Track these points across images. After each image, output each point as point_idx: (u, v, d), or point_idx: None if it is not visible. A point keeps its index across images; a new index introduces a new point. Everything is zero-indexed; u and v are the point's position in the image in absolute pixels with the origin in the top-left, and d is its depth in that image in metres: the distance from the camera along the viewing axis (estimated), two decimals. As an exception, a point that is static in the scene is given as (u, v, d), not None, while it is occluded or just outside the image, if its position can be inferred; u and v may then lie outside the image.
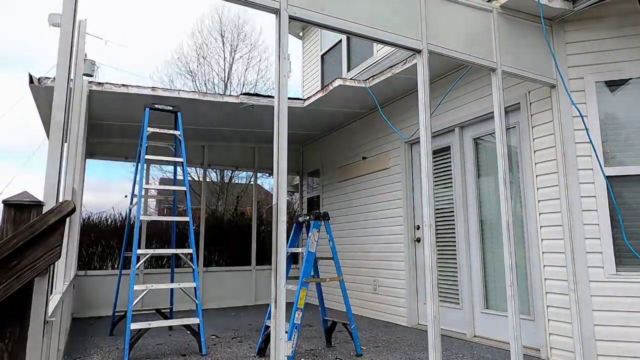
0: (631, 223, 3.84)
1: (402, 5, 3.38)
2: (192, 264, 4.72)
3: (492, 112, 3.80)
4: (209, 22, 23.64)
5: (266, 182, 18.07)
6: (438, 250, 5.45)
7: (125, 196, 10.37)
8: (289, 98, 5.81)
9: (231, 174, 17.87)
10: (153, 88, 5.63)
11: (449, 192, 5.46)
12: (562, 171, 4.04)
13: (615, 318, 3.72)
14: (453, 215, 5.37)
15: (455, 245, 5.32)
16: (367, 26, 3.15)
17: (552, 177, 4.16)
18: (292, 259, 4.76)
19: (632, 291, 3.70)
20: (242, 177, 18.30)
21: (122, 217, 8.95)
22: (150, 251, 5.12)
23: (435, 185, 5.44)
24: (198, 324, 4.47)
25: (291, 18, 2.82)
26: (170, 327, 5.65)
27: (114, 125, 6.76)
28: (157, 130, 5.07)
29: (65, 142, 2.42)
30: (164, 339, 5.15)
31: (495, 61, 3.76)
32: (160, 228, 8.89)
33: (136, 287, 4.35)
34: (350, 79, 6.17)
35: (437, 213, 5.47)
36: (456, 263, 5.28)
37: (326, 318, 4.80)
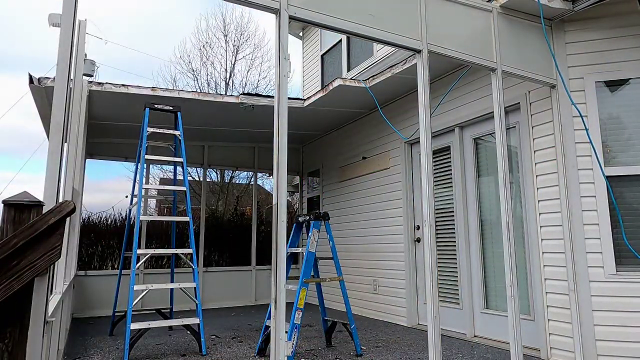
0: (631, 223, 3.84)
1: (402, 5, 3.38)
2: (192, 264, 4.72)
3: (492, 112, 3.81)
4: (212, 22, 23.68)
5: (266, 182, 18.08)
6: (438, 250, 5.45)
7: (126, 196, 10.37)
8: (289, 98, 5.82)
9: (231, 174, 17.88)
10: (153, 88, 5.62)
11: (449, 192, 5.46)
12: (562, 171, 4.04)
13: (615, 318, 3.72)
14: (453, 215, 5.37)
15: (455, 245, 5.32)
16: (367, 26, 3.15)
17: (552, 177, 4.16)
18: (292, 259, 4.76)
19: (632, 291, 3.70)
20: (242, 177, 18.31)
21: (122, 217, 8.95)
22: (150, 251, 5.12)
23: (435, 185, 5.45)
24: (198, 324, 4.47)
25: (291, 18, 2.82)
26: (170, 327, 5.65)
27: (113, 125, 6.76)
28: (157, 130, 5.07)
29: (65, 142, 2.42)
30: (164, 339, 5.15)
31: (495, 61, 3.76)
32: (160, 228, 8.90)
33: (136, 287, 4.35)
34: (350, 79, 6.17)
35: (437, 213, 5.47)
36: (456, 263, 5.28)
37: (326, 318, 4.80)
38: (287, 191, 3.15)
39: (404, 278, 5.94)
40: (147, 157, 4.96)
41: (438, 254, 5.45)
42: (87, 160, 6.86)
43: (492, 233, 4.95)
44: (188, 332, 4.75)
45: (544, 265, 4.20)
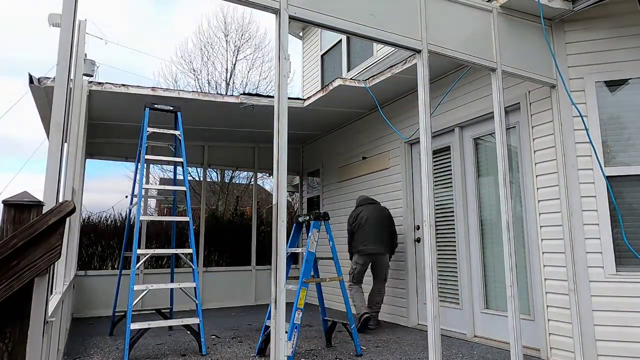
0: (631, 223, 3.83)
1: (402, 5, 3.38)
2: (192, 264, 4.72)
3: (492, 112, 3.80)
4: (214, 22, 23.69)
5: (266, 182, 18.09)
6: (438, 250, 5.45)
7: (126, 196, 10.36)
8: (289, 98, 5.81)
9: (231, 174, 17.88)
10: (153, 88, 5.62)
11: (449, 192, 5.46)
12: (562, 171, 4.04)
13: (615, 318, 3.72)
14: (453, 215, 5.37)
15: (455, 245, 5.31)
16: (367, 26, 3.15)
17: (552, 177, 4.16)
18: (292, 259, 4.76)
19: (632, 291, 3.70)
20: (242, 177, 18.32)
21: (122, 217, 8.96)
22: (150, 251, 5.12)
23: (435, 185, 5.44)
24: (198, 324, 4.47)
25: (291, 18, 2.82)
26: (170, 327, 5.64)
27: (113, 125, 6.76)
28: (157, 130, 5.07)
29: (65, 142, 2.42)
30: (164, 339, 5.16)
31: (495, 61, 3.76)
32: (160, 228, 8.90)
33: (136, 287, 4.34)
34: (350, 79, 6.17)
35: (437, 213, 5.47)
36: (456, 263, 5.28)
37: (326, 318, 4.80)
38: (287, 191, 3.15)
39: (404, 278, 5.94)
40: (147, 157, 4.96)
41: (438, 254, 5.45)
42: (87, 160, 6.86)
43: (492, 233, 4.95)
44: (188, 332, 4.75)
45: (544, 265, 4.20)
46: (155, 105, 5.20)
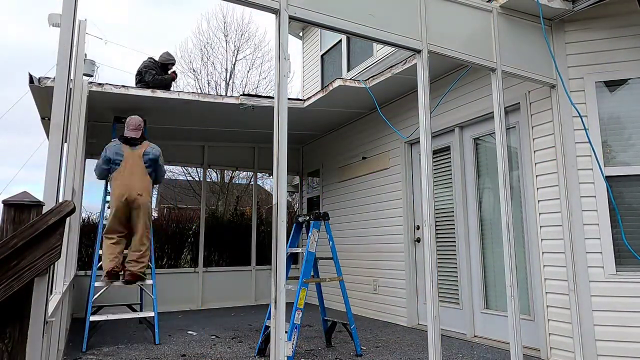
0: (631, 223, 3.84)
1: (402, 5, 3.38)
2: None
3: (492, 112, 3.80)
4: (213, 22, 23.67)
5: (266, 182, 18.08)
6: (438, 250, 5.45)
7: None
8: (289, 98, 5.81)
9: (231, 174, 17.88)
10: (153, 90, 5.62)
11: (449, 192, 5.46)
12: (562, 171, 4.04)
13: (615, 318, 3.72)
14: (453, 215, 5.37)
15: (455, 245, 5.31)
16: (367, 26, 3.15)
17: (552, 177, 4.16)
18: (292, 259, 4.76)
19: (632, 291, 3.70)
20: (242, 177, 18.32)
21: (122, 217, 8.92)
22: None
23: (435, 185, 5.44)
24: (153, 317, 5.00)
25: (291, 18, 2.82)
26: (140, 322, 5.68)
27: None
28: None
29: (65, 142, 2.42)
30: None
31: (495, 61, 3.76)
32: (160, 228, 8.87)
33: (97, 284, 4.94)
34: (350, 79, 6.17)
35: (437, 213, 5.47)
36: (456, 263, 5.28)
37: (326, 318, 4.80)
38: (287, 191, 3.15)
39: (404, 278, 5.94)
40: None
41: (438, 254, 5.45)
42: (87, 160, 6.86)
43: (492, 233, 4.95)
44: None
45: (544, 265, 4.20)
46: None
